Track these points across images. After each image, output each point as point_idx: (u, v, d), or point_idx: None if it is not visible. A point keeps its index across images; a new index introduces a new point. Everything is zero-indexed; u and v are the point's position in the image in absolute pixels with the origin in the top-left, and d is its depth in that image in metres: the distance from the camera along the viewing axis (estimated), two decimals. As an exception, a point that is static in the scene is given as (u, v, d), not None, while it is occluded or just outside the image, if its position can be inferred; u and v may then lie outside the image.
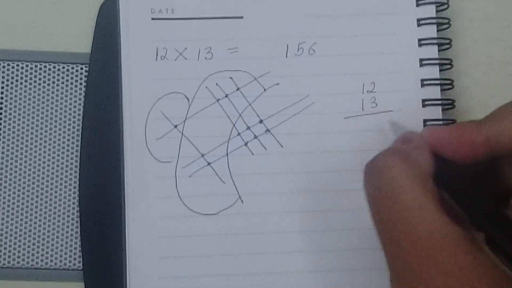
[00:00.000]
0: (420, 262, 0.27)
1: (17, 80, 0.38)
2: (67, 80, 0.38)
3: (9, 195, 0.37)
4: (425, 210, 0.27)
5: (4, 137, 0.38)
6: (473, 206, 0.29)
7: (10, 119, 0.38)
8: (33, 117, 0.38)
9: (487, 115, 0.30)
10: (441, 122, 0.37)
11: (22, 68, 0.38)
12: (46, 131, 0.38)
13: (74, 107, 0.38)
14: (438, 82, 0.37)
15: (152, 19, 0.38)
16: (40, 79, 0.38)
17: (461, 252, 0.26)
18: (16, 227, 0.37)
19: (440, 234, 0.26)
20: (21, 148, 0.38)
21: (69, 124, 0.38)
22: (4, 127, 0.38)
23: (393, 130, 0.36)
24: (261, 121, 0.37)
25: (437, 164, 0.30)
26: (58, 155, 0.38)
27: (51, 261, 0.37)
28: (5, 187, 0.37)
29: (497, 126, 0.29)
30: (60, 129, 0.38)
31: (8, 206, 0.37)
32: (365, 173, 0.30)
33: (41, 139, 0.38)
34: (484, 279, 0.26)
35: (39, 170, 0.38)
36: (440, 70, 0.38)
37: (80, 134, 0.37)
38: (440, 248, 0.26)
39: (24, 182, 0.37)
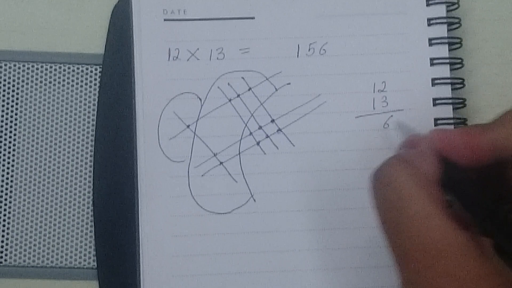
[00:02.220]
0: (428, 270, 0.27)
1: (31, 81, 0.38)
2: (81, 81, 0.39)
3: (24, 195, 0.38)
4: (432, 218, 0.27)
5: (19, 137, 0.38)
6: (480, 210, 0.28)
7: (25, 119, 0.38)
8: (47, 118, 0.38)
9: (494, 119, 0.30)
10: (452, 121, 0.37)
11: (36, 69, 0.39)
12: (60, 132, 0.38)
13: (88, 107, 0.38)
14: (449, 81, 0.37)
15: (165, 20, 0.38)
16: (54, 80, 0.39)
17: (469, 258, 0.26)
18: (31, 226, 0.38)
19: (448, 242, 0.26)
20: (36, 148, 0.38)
21: (83, 124, 0.38)
22: (20, 127, 0.38)
23: (400, 130, 0.36)
24: (272, 121, 0.38)
25: (444, 167, 0.30)
26: (73, 155, 0.38)
27: (66, 259, 0.37)
28: (20, 186, 0.38)
29: (503, 130, 0.29)
30: (74, 129, 0.38)
31: (23, 205, 0.38)
32: (371, 182, 0.30)
33: (55, 139, 0.38)
34: (492, 285, 0.26)
35: (53, 170, 0.38)
36: (451, 69, 0.38)
37: (94, 134, 0.38)
38: (447, 256, 0.26)
39: (39, 182, 0.38)
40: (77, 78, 0.39)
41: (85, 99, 0.38)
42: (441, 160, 0.30)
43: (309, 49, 0.38)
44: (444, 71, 0.38)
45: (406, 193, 0.28)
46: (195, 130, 0.38)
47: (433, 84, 0.38)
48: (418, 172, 0.29)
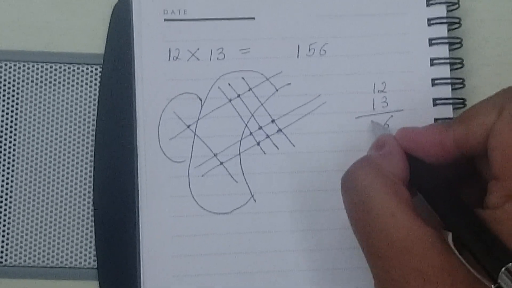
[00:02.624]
0: (396, 267, 0.27)
1: (31, 81, 0.38)
2: (81, 81, 0.39)
3: (24, 195, 0.38)
4: (397, 216, 0.28)
5: (19, 137, 0.38)
6: (443, 206, 0.29)
7: (25, 119, 0.38)
8: (47, 118, 0.38)
9: (457, 116, 0.31)
10: (452, 121, 0.37)
11: (36, 69, 0.39)
12: (60, 132, 0.38)
13: (88, 107, 0.38)
14: (449, 81, 0.37)
15: (165, 20, 0.38)
16: (54, 79, 0.39)
17: (434, 253, 0.27)
18: (31, 226, 0.38)
19: (413, 238, 0.27)
20: (36, 148, 0.38)
21: (83, 124, 0.38)
22: (20, 127, 0.38)
23: (373, 131, 0.37)
24: (273, 121, 0.38)
25: (413, 166, 0.30)
26: (73, 155, 0.38)
27: (66, 259, 0.37)
28: (20, 186, 0.38)
29: (465, 127, 0.30)
30: (74, 129, 0.38)
31: (24, 206, 0.38)
32: (341, 186, 0.31)
33: (55, 139, 0.38)
34: (457, 279, 0.26)
35: (54, 170, 0.38)
36: (451, 70, 0.38)
37: (94, 134, 0.38)
38: (413, 252, 0.27)
39: (39, 182, 0.38)
40: (77, 78, 0.39)
41: (85, 99, 0.38)
42: (409, 159, 0.30)
43: (309, 50, 0.38)
44: (444, 71, 0.38)
45: (370, 194, 0.29)
46: (195, 130, 0.38)
47: (433, 84, 0.38)
48: (383, 172, 0.30)
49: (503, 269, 0.25)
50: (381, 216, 0.28)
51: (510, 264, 0.25)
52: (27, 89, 0.38)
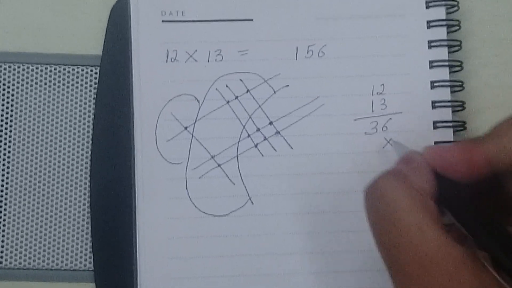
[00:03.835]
0: (422, 284, 0.27)
1: (27, 83, 0.38)
2: (77, 82, 0.38)
3: (21, 197, 0.38)
4: (425, 231, 0.27)
5: (16, 140, 0.38)
6: (475, 225, 0.28)
7: (22, 121, 0.38)
8: (44, 120, 0.38)
9: (487, 132, 0.30)
10: (451, 124, 0.37)
11: (32, 70, 0.38)
12: (57, 133, 0.38)
13: (85, 109, 0.38)
14: (448, 83, 0.37)
15: (163, 21, 0.38)
16: (51, 81, 0.38)
17: (464, 272, 0.26)
18: (27, 228, 0.37)
19: (442, 255, 0.26)
20: (33, 151, 0.38)
21: (80, 126, 0.38)
22: (15, 129, 0.38)
23: (396, 150, 0.36)
24: (271, 123, 0.38)
25: (439, 184, 0.30)
26: (69, 157, 0.38)
27: (62, 262, 0.37)
28: (16, 188, 0.38)
29: (497, 144, 0.29)
30: (71, 131, 0.38)
31: (20, 207, 0.38)
32: (365, 196, 0.30)
33: (52, 141, 0.38)
34: None
35: (50, 172, 0.38)
36: (450, 72, 0.38)
37: (91, 136, 0.38)
38: (442, 269, 0.26)
39: (35, 184, 0.38)
40: (74, 80, 0.38)
41: (83, 101, 0.38)
42: (436, 176, 0.30)
43: (307, 51, 0.38)
44: (443, 73, 0.37)
45: (400, 206, 0.28)
46: (192, 132, 0.37)
47: (432, 87, 0.37)
48: (412, 185, 0.29)
49: None
50: (409, 230, 0.27)
51: None
52: (23, 91, 0.38)
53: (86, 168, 0.38)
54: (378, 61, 0.38)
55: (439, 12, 0.38)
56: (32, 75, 0.38)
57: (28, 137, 0.38)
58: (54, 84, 0.38)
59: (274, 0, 0.38)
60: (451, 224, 0.29)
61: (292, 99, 0.38)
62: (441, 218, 0.28)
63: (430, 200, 0.29)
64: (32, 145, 0.38)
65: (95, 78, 0.38)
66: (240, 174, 0.37)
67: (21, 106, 0.38)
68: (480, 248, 0.28)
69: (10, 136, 0.38)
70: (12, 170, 0.38)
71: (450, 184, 0.30)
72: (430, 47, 0.38)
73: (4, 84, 0.38)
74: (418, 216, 0.28)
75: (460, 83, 0.38)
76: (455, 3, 0.38)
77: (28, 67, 0.38)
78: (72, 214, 0.38)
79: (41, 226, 0.37)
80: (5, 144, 0.38)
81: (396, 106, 0.37)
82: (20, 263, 0.37)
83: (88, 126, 0.38)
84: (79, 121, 0.38)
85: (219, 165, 0.37)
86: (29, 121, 0.38)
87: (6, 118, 0.38)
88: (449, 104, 0.37)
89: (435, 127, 0.37)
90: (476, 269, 0.26)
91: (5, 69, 0.38)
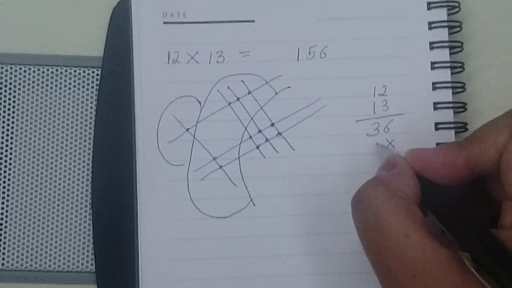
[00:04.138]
0: None
1: (29, 84, 0.38)
2: (78, 84, 0.38)
3: (21, 198, 0.38)
4: (411, 237, 0.27)
5: (16, 141, 0.38)
6: (459, 228, 0.29)
7: (22, 122, 0.38)
8: (45, 121, 0.38)
9: (468, 136, 0.31)
10: (452, 125, 0.37)
11: (34, 72, 0.38)
12: (58, 135, 0.38)
13: (86, 110, 0.38)
14: (449, 85, 0.37)
15: (164, 23, 0.38)
16: (52, 83, 0.38)
17: (450, 274, 0.26)
18: (29, 230, 0.37)
19: (428, 259, 0.27)
20: (33, 152, 0.38)
21: (82, 128, 0.38)
22: (17, 130, 0.38)
23: (379, 153, 0.36)
24: (272, 124, 0.37)
25: (422, 187, 0.30)
26: (71, 159, 0.38)
27: (64, 263, 0.37)
28: (17, 190, 0.38)
29: (477, 148, 0.30)
30: (72, 133, 0.38)
31: (21, 209, 0.37)
32: (352, 206, 0.31)
33: (53, 142, 0.38)
34: None
35: (51, 174, 0.38)
36: (452, 73, 0.38)
37: (93, 138, 0.38)
38: (429, 273, 0.27)
39: (36, 186, 0.38)
40: (75, 81, 0.38)
41: (84, 102, 0.38)
42: (419, 180, 0.30)
43: (309, 53, 0.38)
44: (445, 75, 0.38)
45: (383, 215, 0.28)
46: (194, 134, 0.37)
47: (434, 88, 0.37)
48: (396, 192, 0.29)
49: None
50: (395, 237, 0.28)
51: None
52: (24, 92, 0.38)
53: (87, 169, 0.38)
54: (380, 63, 0.38)
55: (441, 14, 0.38)
56: (33, 77, 0.38)
57: (30, 138, 0.38)
58: (56, 85, 0.38)
59: (276, 1, 0.38)
60: (436, 228, 0.29)
61: (293, 100, 0.38)
62: (426, 223, 0.28)
63: (414, 205, 0.29)
64: (34, 146, 0.38)
65: (97, 79, 0.38)
66: (242, 176, 0.37)
67: (22, 107, 0.38)
68: (463, 249, 0.28)
69: (11, 138, 0.38)
70: (14, 172, 0.38)
71: (434, 188, 0.30)
72: (431, 48, 0.38)
73: (5, 86, 0.38)
74: (403, 222, 0.28)
75: (462, 85, 0.38)
76: (457, 4, 0.38)
77: (29, 69, 0.38)
78: (74, 216, 0.37)
79: (42, 228, 0.37)
80: (6, 145, 0.38)
81: (397, 108, 0.37)
82: (21, 265, 0.37)
83: (90, 128, 0.38)
84: (81, 123, 0.38)
85: (220, 167, 0.37)
86: (31, 123, 0.38)
87: (8, 119, 0.38)
88: (450, 105, 0.37)
89: (436, 129, 0.37)
90: (461, 271, 0.26)
91: (6, 70, 0.38)
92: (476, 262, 0.27)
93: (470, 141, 0.30)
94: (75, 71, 0.38)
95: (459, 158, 0.30)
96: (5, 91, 0.38)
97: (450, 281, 0.26)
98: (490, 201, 0.31)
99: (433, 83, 0.37)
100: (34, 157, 0.38)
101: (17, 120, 0.38)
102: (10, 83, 0.38)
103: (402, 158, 0.32)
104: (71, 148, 0.38)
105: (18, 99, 0.38)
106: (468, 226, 0.29)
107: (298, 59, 0.38)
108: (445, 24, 0.38)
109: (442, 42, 0.38)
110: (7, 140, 0.38)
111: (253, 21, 0.38)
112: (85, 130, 0.38)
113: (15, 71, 0.38)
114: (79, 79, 0.38)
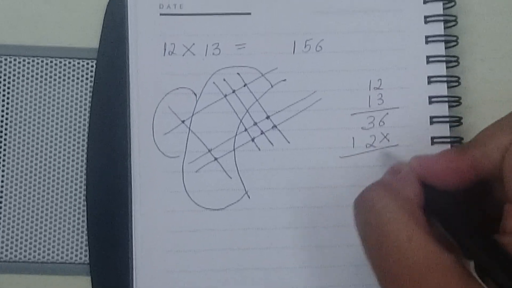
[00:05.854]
0: None
1: (23, 75, 0.38)
2: (74, 75, 0.38)
3: (15, 189, 0.37)
4: (414, 240, 0.27)
5: (10, 132, 0.38)
6: (462, 234, 0.29)
7: (16, 114, 0.38)
8: (40, 113, 0.38)
9: (471, 140, 0.31)
10: (447, 119, 0.37)
11: (28, 63, 0.38)
12: (53, 126, 0.38)
13: (81, 102, 0.38)
14: (445, 79, 0.37)
15: (161, 14, 0.38)
16: (47, 74, 0.38)
17: (453, 279, 0.26)
18: (22, 221, 0.37)
19: (431, 263, 0.27)
20: (28, 143, 0.38)
21: (76, 119, 0.38)
22: (11, 122, 0.38)
23: (385, 160, 0.36)
24: (268, 117, 0.38)
25: (426, 193, 0.30)
26: (65, 150, 0.38)
27: (58, 255, 0.37)
28: (11, 181, 0.37)
29: (481, 151, 0.29)
30: (67, 124, 0.38)
31: (15, 200, 0.37)
32: (354, 208, 0.30)
33: (47, 134, 0.38)
34: None
35: (45, 165, 0.38)
36: (447, 67, 0.38)
37: (88, 129, 0.38)
38: (431, 277, 0.26)
39: (30, 177, 0.38)
40: (71, 73, 0.38)
41: (79, 94, 0.38)
42: (423, 186, 0.30)
43: (305, 46, 0.38)
44: (440, 69, 0.38)
45: (387, 217, 0.28)
46: (190, 126, 0.37)
47: (429, 82, 0.38)
48: (399, 196, 0.29)
49: None
50: (398, 240, 0.27)
51: None
52: (18, 83, 0.38)
53: (82, 161, 0.38)
54: (375, 56, 0.38)
55: (436, 7, 0.38)
56: (28, 68, 0.38)
57: (24, 130, 0.38)
58: (50, 77, 0.38)
59: (272, -6, 0.38)
60: (439, 233, 0.29)
61: (289, 93, 0.38)
62: (430, 227, 0.28)
63: (418, 210, 0.29)
64: (28, 138, 0.38)
65: (92, 71, 0.38)
66: (237, 168, 0.37)
67: (17, 99, 0.38)
68: (466, 256, 0.28)
69: (6, 129, 0.38)
70: (8, 163, 0.38)
71: (437, 193, 0.30)
72: (427, 42, 0.38)
73: (0, 77, 0.38)
74: (406, 225, 0.28)
75: (457, 78, 0.38)
76: (452, -2, 0.38)
77: (24, 60, 0.38)
78: (68, 207, 0.37)
79: (36, 219, 0.37)
80: (0, 137, 0.38)
81: (393, 101, 0.37)
82: (15, 256, 0.37)
83: (85, 119, 0.38)
84: (76, 114, 0.38)
85: (216, 159, 0.37)
86: (25, 114, 0.38)
87: (2, 111, 0.38)
88: (445, 99, 0.37)
89: (431, 122, 0.37)
90: (464, 276, 0.26)
91: (0, 61, 0.38)
92: (479, 268, 0.27)
93: (473, 145, 0.30)
94: (70, 62, 0.38)
95: (462, 162, 0.30)
96: (0, 82, 0.38)
97: (453, 286, 0.26)
98: (493, 206, 0.31)
99: (429, 77, 0.38)
100: (28, 148, 0.38)
101: (12, 111, 0.38)
102: (5, 74, 0.38)
103: (407, 165, 0.32)
104: (65, 139, 0.38)
105: (13, 90, 0.38)
106: (472, 232, 0.28)
107: (294, 52, 0.38)
108: (441, 18, 0.38)
109: (438, 36, 0.38)
110: (1, 131, 0.38)
111: (250, 13, 0.38)
112: (80, 122, 0.38)
113: (10, 62, 0.38)
114: (74, 70, 0.38)
